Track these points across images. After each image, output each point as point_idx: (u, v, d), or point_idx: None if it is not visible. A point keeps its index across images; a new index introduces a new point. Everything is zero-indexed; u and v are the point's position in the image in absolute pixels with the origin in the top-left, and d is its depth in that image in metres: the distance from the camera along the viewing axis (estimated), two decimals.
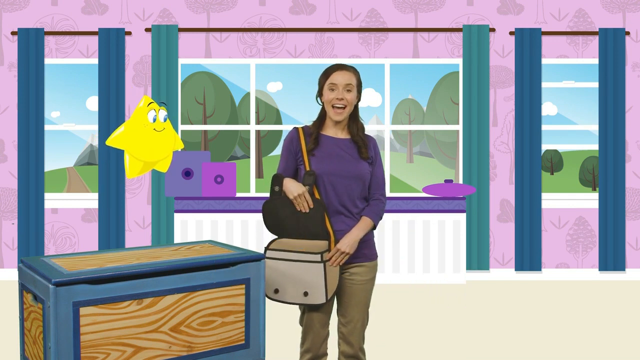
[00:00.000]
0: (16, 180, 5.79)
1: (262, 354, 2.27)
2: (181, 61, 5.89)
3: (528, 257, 5.74)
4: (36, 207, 5.71)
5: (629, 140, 5.85)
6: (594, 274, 5.82)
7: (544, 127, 5.89)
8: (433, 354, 3.68)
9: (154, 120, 2.45)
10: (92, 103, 6.27)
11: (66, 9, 5.81)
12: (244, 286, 2.20)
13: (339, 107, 2.49)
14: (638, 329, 4.19)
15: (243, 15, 5.85)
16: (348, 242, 2.45)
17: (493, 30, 5.82)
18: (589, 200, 5.86)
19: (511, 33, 5.82)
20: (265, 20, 5.85)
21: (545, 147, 5.98)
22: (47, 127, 5.86)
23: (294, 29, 5.80)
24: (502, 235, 5.85)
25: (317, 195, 2.47)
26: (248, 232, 5.42)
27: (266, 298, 2.52)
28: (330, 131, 2.57)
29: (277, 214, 2.48)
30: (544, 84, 5.90)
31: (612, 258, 5.74)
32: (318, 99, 2.59)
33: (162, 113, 2.48)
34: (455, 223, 5.49)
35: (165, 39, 5.74)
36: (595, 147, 5.95)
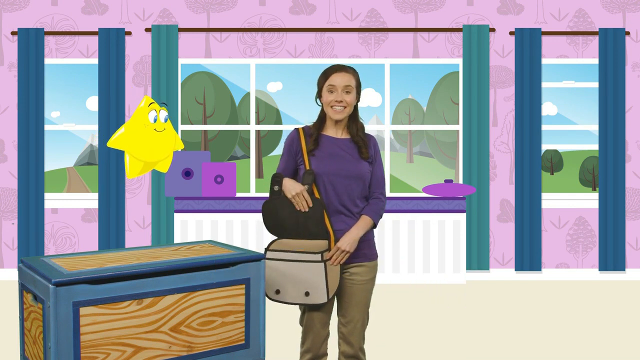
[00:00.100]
0: (16, 180, 5.79)
1: (262, 354, 2.27)
2: (181, 61, 5.89)
3: (528, 257, 5.74)
4: (36, 207, 5.71)
5: (629, 140, 5.85)
6: (594, 274, 5.82)
7: (544, 127, 5.89)
8: (433, 354, 3.68)
9: (155, 120, 2.45)
10: (92, 103, 6.27)
11: (66, 9, 5.81)
12: (244, 286, 2.20)
13: (338, 108, 2.50)
14: (638, 329, 4.19)
15: (243, 15, 5.85)
16: (348, 241, 2.45)
17: (493, 30, 5.82)
18: (589, 200, 5.86)
19: (511, 33, 5.82)
20: (265, 20, 5.85)
21: (545, 147, 5.98)
22: (47, 127, 5.86)
23: (294, 29, 5.80)
24: (502, 235, 5.85)
25: (317, 195, 2.47)
26: (248, 232, 5.42)
27: (267, 299, 2.53)
28: (331, 131, 2.57)
29: (277, 214, 2.48)
30: (544, 84, 5.90)
31: (612, 258, 5.74)
32: (317, 100, 2.59)
33: (163, 113, 2.48)
34: (455, 223, 5.49)
35: (165, 39, 5.74)
36: (595, 147, 5.95)
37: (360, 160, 2.53)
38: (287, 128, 6.42)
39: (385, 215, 5.40)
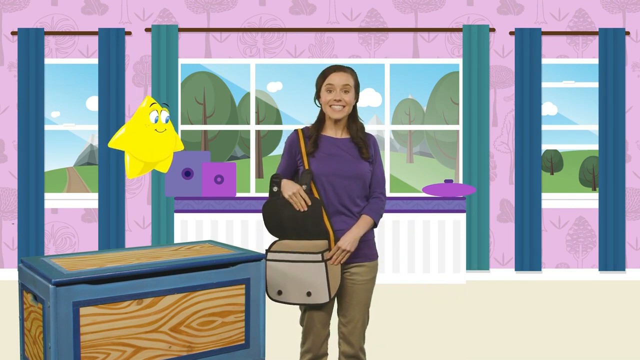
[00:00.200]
0: (16, 180, 5.79)
1: (262, 354, 2.27)
2: (181, 61, 5.89)
3: (528, 257, 5.74)
4: (36, 207, 5.71)
5: (629, 140, 5.85)
6: (594, 274, 5.82)
7: (544, 127, 5.89)
8: (433, 354, 3.68)
9: (156, 121, 2.45)
10: (92, 103, 6.27)
11: (66, 9, 5.81)
12: (244, 286, 2.20)
13: (337, 107, 2.50)
14: (638, 329, 4.19)
15: (243, 15, 5.85)
16: (348, 240, 2.45)
17: (493, 30, 5.82)
18: (589, 200, 5.86)
19: (511, 33, 5.82)
20: (265, 20, 5.85)
21: (545, 147, 5.98)
22: (47, 127, 5.86)
23: (294, 29, 5.80)
24: (502, 235, 5.85)
25: (316, 195, 2.47)
26: (248, 232, 5.42)
27: (268, 299, 2.53)
28: (330, 132, 2.57)
29: (277, 215, 2.48)
30: (544, 84, 5.90)
31: (612, 258, 5.74)
32: (316, 100, 2.59)
33: (164, 114, 2.48)
34: (455, 223, 5.49)
35: (165, 39, 5.74)
36: (595, 147, 5.95)
37: (360, 160, 2.53)
38: (287, 128, 6.42)
39: (385, 215, 5.40)
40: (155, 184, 5.73)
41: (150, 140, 2.45)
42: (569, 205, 5.86)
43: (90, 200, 5.84)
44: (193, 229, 5.39)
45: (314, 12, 5.85)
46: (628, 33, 5.80)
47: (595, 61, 5.86)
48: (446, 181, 5.56)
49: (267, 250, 2.50)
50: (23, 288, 2.10)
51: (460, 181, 5.87)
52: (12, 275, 5.77)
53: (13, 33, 5.75)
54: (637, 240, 5.86)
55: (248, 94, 6.22)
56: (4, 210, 5.81)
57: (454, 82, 6.68)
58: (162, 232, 5.72)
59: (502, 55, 5.85)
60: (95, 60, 5.82)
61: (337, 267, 2.46)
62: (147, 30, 5.78)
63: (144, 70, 5.83)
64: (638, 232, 5.85)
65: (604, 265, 5.75)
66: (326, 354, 2.59)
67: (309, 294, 2.45)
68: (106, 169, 5.73)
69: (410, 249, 5.50)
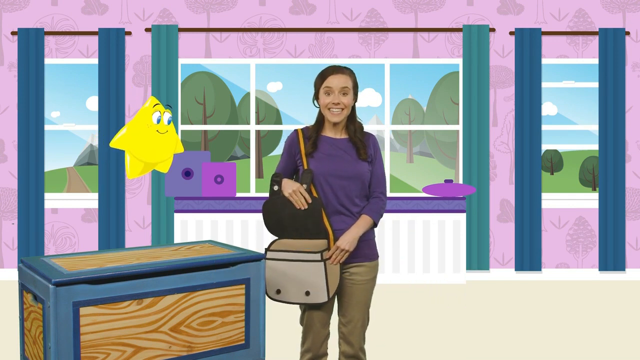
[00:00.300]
0: (16, 180, 5.79)
1: (262, 354, 2.27)
2: (181, 61, 5.89)
3: (528, 257, 5.74)
4: (36, 207, 5.71)
5: (629, 140, 5.85)
6: (594, 274, 5.82)
7: (544, 127, 5.89)
8: (433, 354, 3.68)
9: (158, 121, 2.45)
10: (92, 103, 6.27)
11: (66, 9, 5.81)
12: (244, 286, 2.20)
13: (336, 110, 2.50)
14: (638, 329, 4.19)
15: (243, 15, 5.85)
16: (347, 240, 2.45)
17: (493, 30, 5.82)
18: (589, 200, 5.86)
19: (511, 33, 5.82)
20: (265, 20, 5.85)
21: (545, 147, 5.98)
22: (47, 127, 5.86)
23: (294, 29, 5.80)
24: (502, 235, 5.85)
25: (315, 195, 2.48)
26: (248, 232, 5.42)
27: (268, 298, 2.53)
28: (329, 132, 2.58)
29: (277, 214, 2.48)
30: (544, 84, 5.90)
31: (612, 258, 5.74)
32: (315, 101, 2.59)
33: (167, 115, 2.48)
34: (455, 223, 5.49)
35: (165, 39, 5.74)
36: (595, 147, 5.95)
37: (358, 161, 2.53)
38: (287, 128, 6.42)
39: (385, 215, 5.39)
40: (155, 184, 5.73)
41: (151, 140, 2.45)
42: (569, 205, 5.86)
43: (90, 200, 5.84)
44: (193, 229, 5.39)
45: (314, 12, 5.85)
46: (628, 33, 5.80)
47: (595, 61, 5.86)
48: (446, 181, 5.56)
49: (267, 249, 2.51)
50: (23, 288, 2.10)
51: (460, 181, 5.87)
52: (12, 275, 5.77)
53: (13, 33, 5.75)
54: (637, 240, 5.85)
55: (248, 94, 6.22)
56: (4, 210, 5.81)
57: (454, 82, 6.69)
58: (162, 232, 5.72)
59: (502, 55, 5.85)
60: (95, 60, 5.82)
61: (336, 266, 2.46)
62: (147, 30, 5.78)
63: (144, 70, 5.83)
64: (638, 232, 5.85)
65: (604, 265, 5.75)
66: (326, 354, 2.59)
67: (307, 293, 2.45)
68: (106, 169, 5.73)
69: (410, 249, 5.50)
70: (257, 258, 2.24)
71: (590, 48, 5.85)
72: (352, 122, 2.58)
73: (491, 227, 5.84)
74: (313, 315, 2.53)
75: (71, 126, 5.99)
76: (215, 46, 5.84)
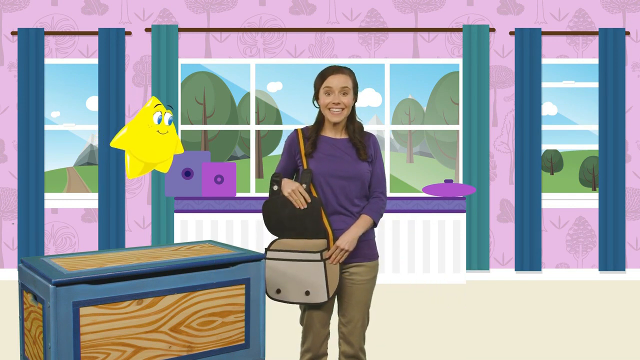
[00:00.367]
0: (16, 180, 5.79)
1: (262, 354, 2.27)
2: (181, 61, 5.89)
3: (528, 257, 5.74)
4: (36, 207, 5.71)
5: (629, 140, 5.85)
6: (594, 274, 5.82)
7: (544, 127, 5.89)
8: (433, 354, 3.68)
9: (159, 121, 2.45)
10: (92, 103, 6.27)
11: (66, 9, 5.81)
12: (244, 286, 2.20)
13: (335, 110, 2.50)
14: (638, 329, 4.19)
15: (243, 15, 5.85)
16: (347, 240, 2.45)
17: (493, 30, 5.82)
18: (589, 200, 5.86)
19: (511, 33, 5.82)
20: (265, 20, 5.85)
21: (545, 147, 5.98)
22: (47, 127, 5.86)
23: (294, 29, 5.80)
24: (502, 235, 5.85)
25: (314, 195, 2.48)
26: (248, 232, 5.42)
27: (268, 298, 2.53)
28: (329, 132, 2.57)
29: (277, 214, 2.49)
30: (544, 84, 5.90)
31: (612, 258, 5.74)
32: (314, 102, 2.59)
33: (168, 116, 2.48)
34: (455, 223, 5.49)
35: (165, 39, 5.74)
36: (595, 147, 5.95)
37: (358, 161, 2.53)
38: (287, 128, 6.42)
39: (385, 215, 5.39)
40: (155, 184, 5.73)
41: (152, 141, 2.45)
42: (569, 205, 5.86)
43: (90, 200, 5.84)
44: (193, 229, 5.39)
45: (314, 12, 5.85)
46: (628, 33, 5.80)
47: (595, 61, 5.86)
48: (446, 181, 5.56)
49: (267, 249, 2.51)
50: (23, 288, 2.10)
51: (460, 181, 5.87)
52: (12, 275, 5.77)
53: (13, 33, 5.75)
54: (637, 240, 5.85)
55: (248, 94, 6.22)
56: (4, 210, 5.81)
57: (454, 82, 6.69)
58: (162, 232, 5.72)
59: (502, 55, 5.85)
60: (95, 60, 5.82)
61: (335, 266, 2.46)
62: (147, 30, 5.78)
63: (144, 70, 5.83)
64: (638, 232, 5.85)
65: (604, 265, 5.75)
66: (326, 354, 2.59)
67: (307, 293, 2.45)
68: (106, 169, 5.73)
69: (410, 249, 5.50)
70: (257, 258, 2.24)
71: (590, 48, 5.85)
72: (351, 122, 2.57)
73: (491, 227, 5.84)
74: (313, 315, 2.53)
75: (71, 126, 5.99)
76: (215, 46, 5.84)
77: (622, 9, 5.85)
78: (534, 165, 5.76)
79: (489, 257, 5.78)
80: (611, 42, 5.74)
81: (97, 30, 5.77)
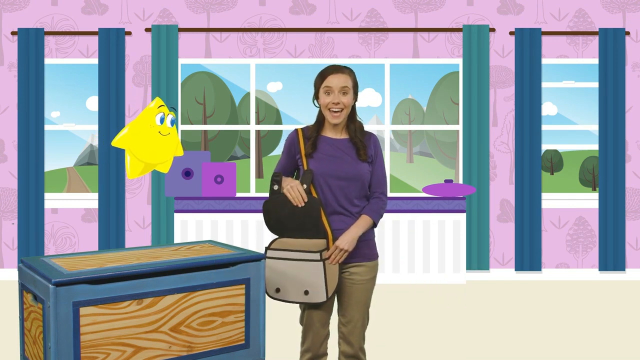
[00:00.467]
0: (16, 180, 5.79)
1: (262, 354, 2.27)
2: (181, 61, 5.89)
3: (528, 257, 5.74)
4: (36, 207, 5.71)
5: (629, 140, 5.85)
6: (594, 274, 5.82)
7: (544, 127, 5.89)
8: (433, 354, 3.68)
9: (162, 121, 2.45)
10: (92, 103, 6.27)
11: (66, 9, 5.81)
12: (244, 286, 2.20)
13: (335, 111, 2.49)
14: (638, 329, 4.19)
15: (243, 15, 5.85)
16: (347, 240, 2.45)
17: (493, 30, 5.82)
18: (589, 200, 5.86)
19: (511, 33, 5.82)
20: (265, 20, 5.85)
21: (545, 147, 5.98)
22: (47, 127, 5.86)
23: (294, 29, 5.80)
24: (502, 235, 5.85)
25: (314, 195, 2.48)
26: (248, 232, 5.42)
27: (268, 297, 2.53)
28: (329, 132, 2.57)
29: (277, 213, 2.49)
30: (544, 84, 5.90)
31: (612, 258, 5.74)
32: (314, 101, 2.59)
33: (170, 117, 2.48)
34: (455, 223, 5.49)
35: (165, 39, 5.74)
36: (595, 147, 5.95)
37: (358, 161, 2.52)
38: (287, 128, 6.42)
39: (385, 215, 5.40)
40: (155, 184, 5.73)
41: (153, 141, 2.45)
42: (569, 205, 5.86)
43: (90, 200, 5.84)
44: (193, 229, 5.39)
45: (314, 12, 5.85)
46: (628, 33, 5.80)
47: (595, 61, 5.86)
48: (446, 181, 5.56)
49: (267, 248, 2.51)
50: (23, 288, 2.10)
51: (460, 181, 5.87)
52: (12, 275, 5.77)
53: (13, 33, 5.75)
54: (637, 240, 5.85)
55: (248, 94, 6.22)
56: (4, 210, 5.81)
57: (454, 82, 6.69)
58: (162, 232, 5.72)
59: (502, 55, 5.85)
60: (95, 60, 5.82)
61: (335, 266, 2.46)
62: (147, 30, 5.78)
63: (144, 70, 5.83)
64: (638, 232, 5.85)
65: (604, 265, 5.75)
66: (326, 354, 2.59)
67: (306, 292, 2.45)
68: (106, 169, 5.73)
69: (410, 249, 5.50)
70: (257, 258, 2.24)
71: (590, 48, 5.85)
72: (352, 121, 2.57)
73: (491, 227, 5.84)
74: (313, 315, 2.53)
75: (71, 126, 5.99)
76: (215, 46, 5.84)
77: (622, 9, 5.85)
78: (534, 165, 5.76)
79: (489, 257, 5.78)
80: (611, 42, 5.74)
81: (97, 30, 5.78)
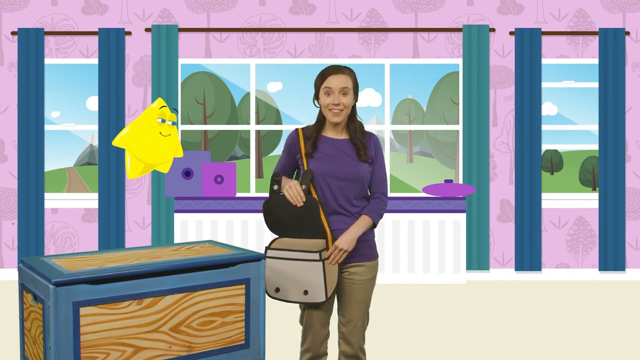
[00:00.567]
0: (16, 180, 5.79)
1: (262, 354, 2.27)
2: (181, 61, 5.89)
3: (528, 257, 5.74)
4: (36, 207, 5.71)
5: (629, 140, 5.86)
6: (594, 274, 5.82)
7: (544, 127, 5.89)
8: (433, 354, 3.68)
9: (163, 120, 2.46)
10: (92, 103, 6.28)
11: (66, 9, 5.81)
12: (244, 286, 2.20)
13: (336, 111, 2.50)
14: (638, 329, 4.19)
15: (243, 15, 5.85)
16: (346, 240, 2.45)
17: (493, 30, 5.82)
18: (589, 200, 5.86)
19: (511, 33, 5.82)
20: (265, 20, 5.85)
21: (545, 147, 5.98)
22: (47, 127, 5.86)
23: (294, 29, 5.80)
24: (502, 235, 5.85)
25: (314, 195, 2.48)
26: (248, 232, 5.42)
27: (267, 297, 2.53)
28: (330, 133, 2.57)
29: (277, 213, 2.49)
30: (544, 84, 5.90)
31: (612, 258, 5.74)
32: (315, 101, 2.59)
33: (171, 118, 2.48)
34: (455, 223, 5.49)
35: (165, 39, 5.74)
36: (595, 147, 5.95)
37: (358, 162, 2.52)
38: (287, 128, 6.42)
39: (385, 215, 5.40)
40: (155, 184, 5.73)
41: (153, 142, 2.45)
42: (569, 205, 5.86)
43: (90, 200, 5.84)
44: (193, 229, 5.39)
45: (314, 12, 5.85)
46: (628, 33, 5.80)
47: (595, 61, 5.86)
48: (446, 181, 5.56)
49: (267, 248, 2.51)
50: (23, 288, 2.10)
51: (460, 181, 5.87)
52: (12, 275, 5.77)
53: (13, 33, 5.75)
54: (637, 240, 5.86)
55: (248, 94, 6.22)
56: (4, 210, 5.81)
57: (454, 82, 6.69)
58: (162, 232, 5.72)
59: (502, 55, 5.85)
60: (95, 60, 5.82)
61: (334, 266, 2.46)
62: (147, 30, 5.78)
63: (144, 70, 5.83)
64: (638, 232, 5.85)
65: (604, 265, 5.75)
66: (326, 354, 2.59)
67: (305, 292, 2.45)
68: (106, 169, 5.73)
69: (410, 249, 5.50)
70: (257, 258, 2.24)
71: (590, 48, 5.85)
72: (352, 121, 2.57)
73: (491, 227, 5.84)
74: (312, 315, 2.54)
75: (71, 126, 5.99)
76: (215, 46, 5.84)
77: (622, 9, 5.85)
78: (534, 165, 5.76)
79: (489, 257, 5.78)
80: (611, 42, 5.74)
81: (97, 30, 5.78)
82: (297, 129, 2.60)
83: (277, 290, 2.49)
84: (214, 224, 5.40)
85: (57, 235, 5.81)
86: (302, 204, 2.43)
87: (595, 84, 5.89)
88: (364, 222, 2.51)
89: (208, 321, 2.13)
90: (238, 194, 5.88)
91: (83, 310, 1.87)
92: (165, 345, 2.03)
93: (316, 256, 2.43)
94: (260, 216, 5.36)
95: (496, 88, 5.85)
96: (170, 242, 5.68)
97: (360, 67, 5.80)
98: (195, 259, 2.15)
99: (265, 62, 5.90)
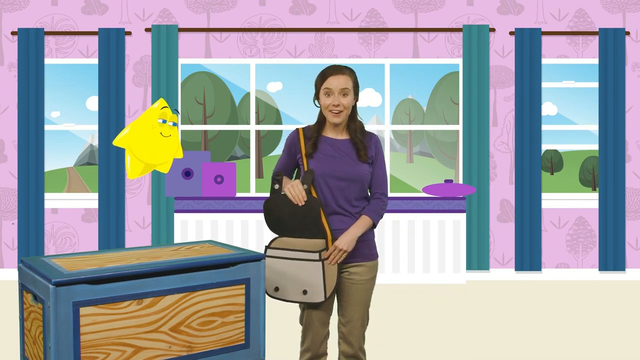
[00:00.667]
0: (16, 180, 5.79)
1: (262, 354, 2.27)
2: (181, 61, 5.89)
3: (528, 257, 5.74)
4: (36, 207, 5.71)
5: (629, 140, 5.86)
6: (594, 274, 5.82)
7: (544, 127, 5.89)
8: (433, 354, 3.68)
9: (164, 121, 2.46)
10: (92, 103, 6.28)
11: (66, 9, 5.81)
12: (244, 286, 2.20)
13: (336, 111, 2.50)
14: (638, 329, 4.19)
15: (243, 15, 5.85)
16: (346, 240, 2.45)
17: (493, 30, 5.82)
18: (589, 200, 5.86)
19: (511, 33, 5.82)
20: (265, 20, 5.85)
21: (545, 147, 5.98)
22: (47, 127, 5.86)
23: (294, 29, 5.80)
24: (502, 235, 5.85)
25: (314, 195, 2.48)
26: (248, 232, 5.42)
27: (267, 296, 2.53)
28: (330, 133, 2.57)
29: (277, 212, 2.49)
30: (544, 84, 5.90)
31: (612, 258, 5.74)
32: (315, 101, 2.59)
33: (172, 119, 2.48)
34: (455, 223, 5.49)
35: (165, 39, 5.74)
36: (595, 147, 5.95)
37: (358, 162, 2.52)
38: (287, 128, 6.42)
39: (385, 215, 5.40)
40: (155, 184, 5.73)
41: (154, 142, 2.45)
42: (569, 205, 5.86)
43: (90, 200, 5.84)
44: (193, 229, 5.39)
45: (314, 12, 5.85)
46: (628, 33, 5.80)
47: (595, 61, 5.86)
48: (446, 181, 5.56)
49: (267, 247, 2.51)
50: (23, 288, 2.10)
51: (460, 181, 5.87)
52: (12, 275, 5.77)
53: (13, 33, 5.75)
54: (637, 240, 5.86)
55: (248, 94, 6.22)
56: (4, 210, 5.81)
57: (454, 82, 6.69)
58: (162, 232, 5.72)
59: (502, 55, 5.85)
60: (95, 60, 5.82)
61: (334, 266, 2.46)
62: (147, 30, 5.78)
63: (144, 70, 5.83)
64: (638, 232, 5.85)
65: (604, 265, 5.75)
66: (325, 354, 2.59)
67: (305, 292, 2.45)
68: (106, 169, 5.73)
69: (410, 249, 5.50)
70: (257, 258, 2.24)
71: (590, 48, 5.85)
72: (352, 121, 2.57)
73: (491, 227, 5.84)
74: (312, 315, 2.54)
75: (71, 126, 5.99)
76: (215, 46, 5.84)
77: (622, 9, 5.85)
78: (534, 165, 5.76)
79: (489, 257, 5.78)
80: (611, 42, 5.74)
81: (97, 30, 5.78)
82: (297, 129, 2.60)
83: (277, 289, 2.49)
84: (214, 224, 5.40)
85: (57, 235, 5.81)
86: (303, 203, 2.43)
87: (595, 84, 5.89)
88: (363, 222, 2.51)
89: (208, 321, 2.13)
90: (238, 194, 5.88)
91: (83, 310, 1.87)
92: (165, 345, 2.03)
93: (316, 256, 2.43)
94: (260, 216, 5.36)
95: (496, 88, 5.85)
96: (170, 242, 5.68)
97: (360, 67, 5.80)
98: (195, 259, 2.15)
99: (265, 62, 5.90)
